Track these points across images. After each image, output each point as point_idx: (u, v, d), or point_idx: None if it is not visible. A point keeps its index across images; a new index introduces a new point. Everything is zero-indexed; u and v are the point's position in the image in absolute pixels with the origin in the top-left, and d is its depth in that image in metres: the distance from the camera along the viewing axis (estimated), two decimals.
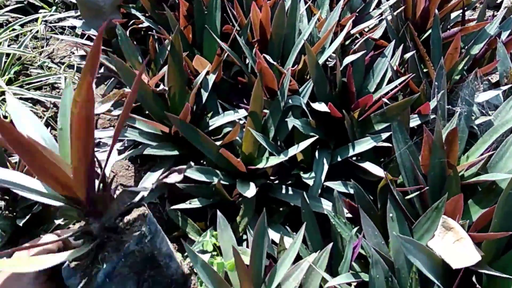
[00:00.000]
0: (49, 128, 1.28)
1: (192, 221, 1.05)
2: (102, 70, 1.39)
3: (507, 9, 1.26)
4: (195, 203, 1.05)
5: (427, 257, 0.79)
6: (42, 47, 1.66)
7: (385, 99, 1.07)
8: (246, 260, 0.88)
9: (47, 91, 1.51)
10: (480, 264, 0.78)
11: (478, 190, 0.98)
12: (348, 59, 1.11)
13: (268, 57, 1.07)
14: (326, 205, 1.00)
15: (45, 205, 0.98)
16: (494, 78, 1.34)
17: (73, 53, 1.64)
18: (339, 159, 1.07)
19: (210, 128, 1.12)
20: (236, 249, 0.78)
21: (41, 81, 1.49)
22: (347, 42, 1.30)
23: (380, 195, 0.98)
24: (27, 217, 0.92)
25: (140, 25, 1.31)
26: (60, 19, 1.70)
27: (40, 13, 1.73)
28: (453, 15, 1.36)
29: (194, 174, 0.98)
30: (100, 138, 1.35)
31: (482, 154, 1.01)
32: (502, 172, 0.95)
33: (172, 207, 1.02)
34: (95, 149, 1.22)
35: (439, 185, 0.97)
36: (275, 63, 1.05)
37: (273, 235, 1.02)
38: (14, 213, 0.96)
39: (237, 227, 1.02)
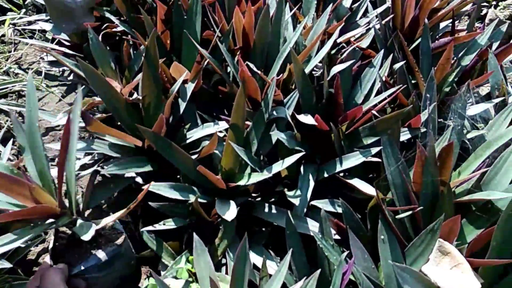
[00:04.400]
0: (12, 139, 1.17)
1: (166, 244, 0.97)
2: (71, 77, 1.29)
3: (498, 20, 1.22)
4: (169, 224, 0.97)
5: (423, 286, 0.73)
6: (9, 51, 1.56)
7: (374, 112, 1.01)
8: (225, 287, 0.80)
9: (13, 99, 1.40)
10: None
11: (472, 209, 0.92)
12: (336, 69, 1.06)
13: (251, 65, 0.99)
14: (313, 226, 0.93)
15: None
16: (484, 90, 1.31)
17: (43, 59, 1.54)
18: (326, 175, 1.00)
19: (188, 141, 1.04)
20: (214, 279, 0.70)
21: (6, 88, 1.39)
22: (333, 51, 1.24)
23: (370, 214, 0.91)
24: None
25: (114, 29, 1.23)
26: (30, 22, 1.60)
27: (8, 15, 1.62)
28: (442, 24, 1.32)
29: (168, 192, 0.89)
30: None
31: (474, 171, 0.96)
32: (497, 190, 0.90)
33: (145, 229, 0.94)
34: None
35: (432, 204, 0.91)
36: (258, 72, 0.98)
37: (255, 258, 0.94)
38: None
39: (216, 250, 0.94)
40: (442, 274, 0.75)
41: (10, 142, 1.08)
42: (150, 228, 0.93)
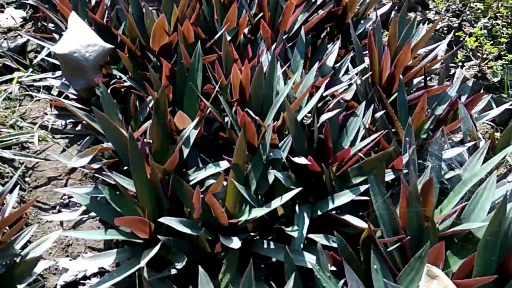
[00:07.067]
0: (18, 186, 1.22)
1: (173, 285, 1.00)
2: (79, 127, 1.38)
3: (463, 77, 1.39)
4: (177, 265, 1.00)
5: None
6: (15, 107, 1.64)
7: (360, 154, 1.12)
8: None
9: (17, 150, 1.47)
10: None
11: (455, 242, 1.00)
12: (324, 117, 1.17)
13: (250, 112, 1.11)
14: (310, 259, 0.99)
15: None
16: (457, 137, 1.44)
17: (46, 114, 1.63)
18: (319, 212, 1.08)
19: (192, 183, 1.11)
20: None
21: (11, 139, 1.46)
22: (320, 104, 1.37)
23: (363, 247, 0.98)
24: None
25: (122, 85, 1.34)
26: (36, 80, 1.71)
27: (15, 74, 1.73)
28: (415, 81, 1.48)
29: (179, 226, 0.95)
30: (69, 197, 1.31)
31: (455, 207, 1.05)
32: (476, 222, 0.99)
33: (151, 278, 0.97)
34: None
35: (418, 236, 0.99)
36: (256, 118, 1.09)
37: None
38: None
39: (219, 285, 0.98)
40: None
41: (17, 190, 1.13)
42: (158, 276, 0.97)
